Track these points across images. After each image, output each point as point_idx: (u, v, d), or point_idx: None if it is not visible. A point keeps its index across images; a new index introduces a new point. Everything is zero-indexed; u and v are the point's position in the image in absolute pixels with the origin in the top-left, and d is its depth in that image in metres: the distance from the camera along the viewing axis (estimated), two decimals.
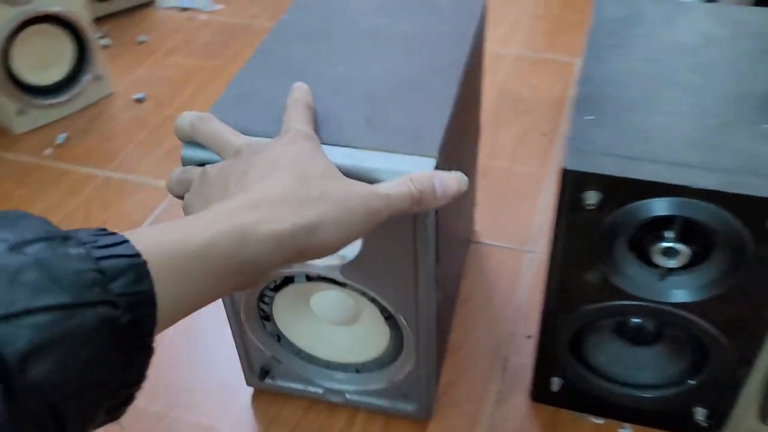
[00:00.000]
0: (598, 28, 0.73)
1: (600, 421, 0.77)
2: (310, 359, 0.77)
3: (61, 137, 1.21)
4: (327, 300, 0.72)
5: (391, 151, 0.56)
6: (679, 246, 0.58)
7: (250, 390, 0.83)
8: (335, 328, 0.75)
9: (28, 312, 0.27)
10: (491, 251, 0.98)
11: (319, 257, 0.43)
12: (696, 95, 0.64)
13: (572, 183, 0.57)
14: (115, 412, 0.33)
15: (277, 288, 0.69)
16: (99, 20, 1.51)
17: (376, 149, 0.56)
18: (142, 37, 1.48)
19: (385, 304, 0.66)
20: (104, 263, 0.30)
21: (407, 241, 0.59)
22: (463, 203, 0.84)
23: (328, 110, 0.60)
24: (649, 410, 0.75)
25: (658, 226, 0.59)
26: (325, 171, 0.46)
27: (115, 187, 1.11)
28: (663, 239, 0.59)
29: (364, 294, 0.66)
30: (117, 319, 0.30)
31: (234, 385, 0.83)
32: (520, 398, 0.80)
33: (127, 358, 0.31)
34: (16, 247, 0.28)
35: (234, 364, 0.80)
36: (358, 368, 0.76)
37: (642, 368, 0.74)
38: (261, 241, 0.39)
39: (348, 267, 0.63)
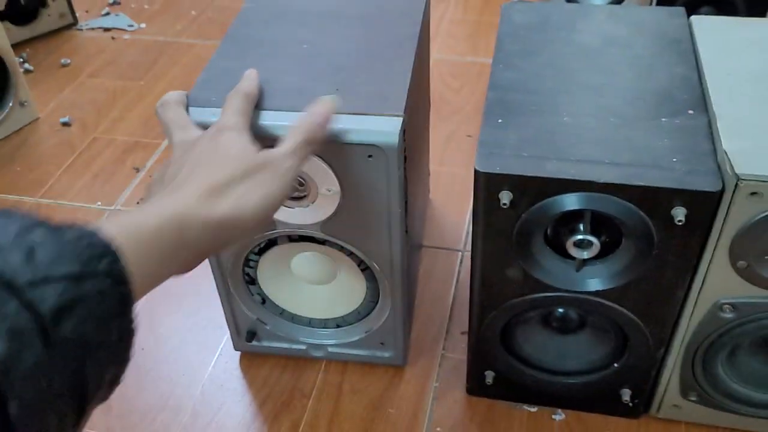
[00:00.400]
0: (506, 35, 0.76)
1: (534, 409, 0.81)
2: (294, 318, 0.84)
3: None
4: (307, 261, 0.78)
5: (363, 114, 0.63)
6: (590, 238, 0.62)
7: (236, 354, 0.89)
8: (316, 287, 0.81)
9: (49, 279, 0.32)
10: (424, 252, 1.00)
11: (250, 231, 0.51)
12: (599, 95, 0.67)
13: (485, 184, 0.60)
14: (108, 390, 0.37)
15: (261, 251, 0.76)
16: (19, 45, 1.49)
17: (349, 112, 0.63)
18: (65, 60, 1.46)
19: (361, 255, 0.73)
20: (92, 247, 0.35)
21: (380, 194, 0.66)
22: (420, 167, 0.90)
23: (302, 82, 0.68)
24: (579, 395, 0.79)
25: (570, 220, 0.63)
26: (239, 155, 0.52)
27: (44, 214, 1.10)
28: (575, 232, 0.62)
29: (341, 249, 0.73)
30: (109, 291, 0.35)
31: (218, 349, 0.90)
32: (457, 393, 0.83)
33: (118, 332, 0.35)
34: (23, 232, 0.33)
35: (217, 331, 0.88)
36: (338, 323, 0.83)
37: (569, 356, 0.77)
38: (194, 227, 0.45)
39: (327, 223, 0.70)
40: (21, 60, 1.45)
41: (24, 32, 1.51)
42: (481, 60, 1.42)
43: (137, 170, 1.18)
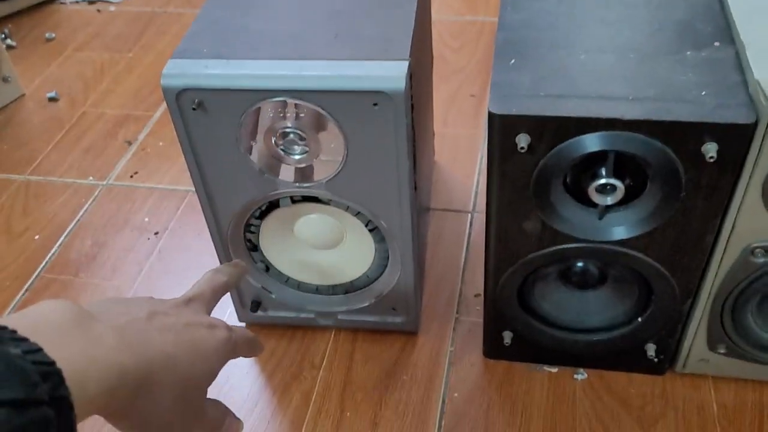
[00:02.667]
0: None
1: (554, 369, 0.77)
2: (300, 286, 0.80)
3: None
4: (311, 224, 0.74)
5: (365, 59, 0.59)
6: (613, 181, 0.58)
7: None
8: (321, 252, 0.77)
9: None
10: (432, 215, 0.96)
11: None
12: (616, 30, 0.63)
13: (500, 128, 0.56)
14: None
15: (262, 215, 0.72)
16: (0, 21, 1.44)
17: (350, 59, 0.59)
18: (49, 34, 1.41)
19: (368, 215, 0.69)
20: (36, 367, 0.32)
21: (387, 146, 0.62)
22: (426, 124, 0.86)
23: (297, 29, 0.64)
24: (602, 353, 0.75)
25: (592, 163, 0.59)
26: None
27: (34, 191, 1.06)
28: (597, 177, 0.58)
29: (347, 209, 0.69)
30: (52, 421, 0.32)
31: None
32: (473, 357, 0.79)
33: None
34: None
35: (220, 303, 0.83)
36: (347, 288, 0.79)
37: (590, 312, 0.74)
38: (128, 385, 0.40)
39: (331, 181, 0.66)
40: (3, 36, 1.40)
41: (4, 8, 1.45)
42: (480, 18, 1.37)
43: (129, 143, 1.13)
